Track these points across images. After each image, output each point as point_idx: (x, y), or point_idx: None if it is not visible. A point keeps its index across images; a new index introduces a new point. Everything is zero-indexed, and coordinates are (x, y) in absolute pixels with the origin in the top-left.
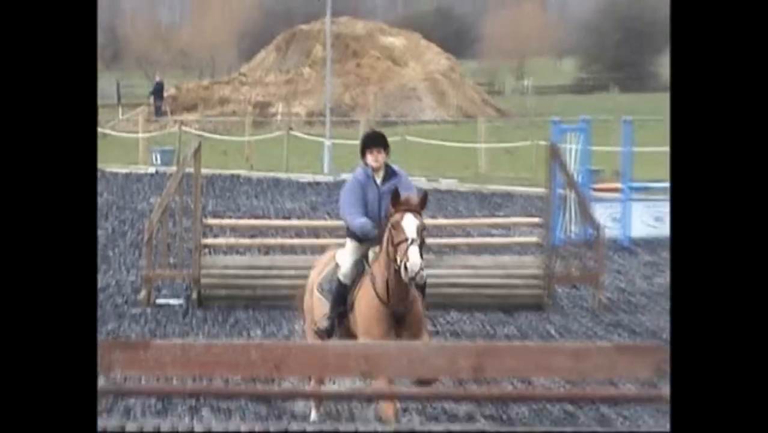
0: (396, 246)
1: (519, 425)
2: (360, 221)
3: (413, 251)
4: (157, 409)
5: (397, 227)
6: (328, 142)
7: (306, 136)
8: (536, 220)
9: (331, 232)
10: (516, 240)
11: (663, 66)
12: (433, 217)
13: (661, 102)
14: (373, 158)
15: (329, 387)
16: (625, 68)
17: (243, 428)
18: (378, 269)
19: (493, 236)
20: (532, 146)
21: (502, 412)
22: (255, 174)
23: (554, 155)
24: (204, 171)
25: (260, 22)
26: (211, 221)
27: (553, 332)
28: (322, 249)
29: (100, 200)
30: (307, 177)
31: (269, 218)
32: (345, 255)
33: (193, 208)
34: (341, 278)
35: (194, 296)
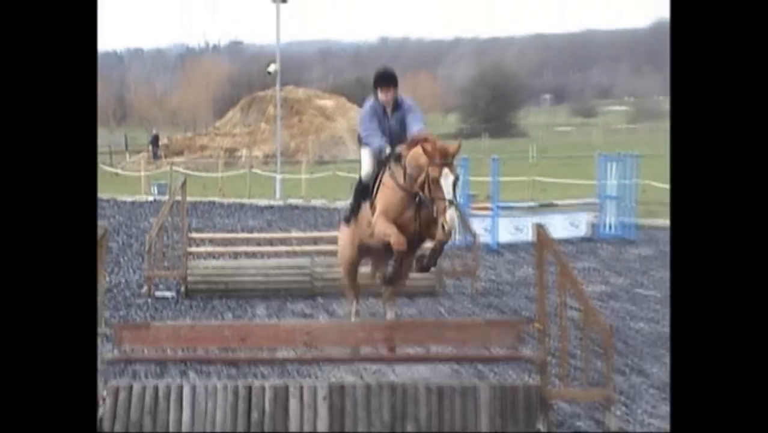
0: (432, 199)
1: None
2: (376, 141)
3: (450, 215)
4: (156, 372)
5: (435, 182)
6: (279, 176)
7: (263, 173)
8: None
9: (283, 242)
10: None
11: (521, 118)
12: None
13: (520, 144)
14: (383, 94)
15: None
16: (492, 120)
17: (219, 386)
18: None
19: None
20: None
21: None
22: (226, 200)
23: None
24: (188, 199)
25: (229, 90)
26: (194, 234)
27: (443, 312)
28: (276, 254)
29: (113, 221)
30: (263, 202)
31: (237, 231)
32: (364, 162)
33: (181, 226)
34: (363, 177)
35: (182, 289)
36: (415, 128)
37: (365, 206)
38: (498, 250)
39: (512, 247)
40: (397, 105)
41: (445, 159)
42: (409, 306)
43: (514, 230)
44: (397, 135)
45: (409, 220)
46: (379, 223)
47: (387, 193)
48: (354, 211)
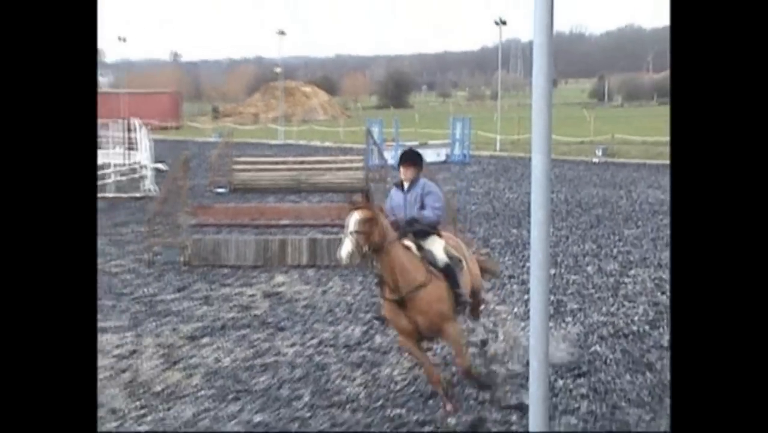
0: None
1: None
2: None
3: (344, 244)
4: (215, 231)
5: None
6: (281, 129)
7: (272, 126)
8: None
9: (283, 163)
10: (353, 165)
11: (411, 98)
12: None
13: (410, 113)
14: (403, 172)
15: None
16: (395, 99)
17: (249, 239)
18: None
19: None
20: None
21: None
22: (252, 140)
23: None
24: (231, 140)
25: (253, 82)
26: (237, 158)
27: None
28: (279, 170)
29: (190, 153)
30: (273, 142)
31: (258, 157)
32: None
33: (228, 154)
34: None
35: (230, 188)
36: (427, 211)
37: None
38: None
39: None
40: (413, 184)
41: (355, 204)
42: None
43: None
44: (410, 208)
45: None
46: None
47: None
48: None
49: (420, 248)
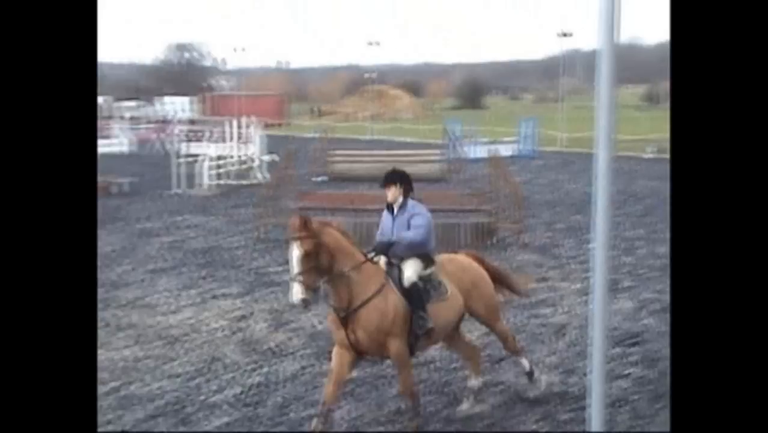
0: None
1: None
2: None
3: (294, 288)
4: (315, 214)
5: None
6: (374, 126)
7: (364, 124)
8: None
9: (374, 156)
10: (432, 158)
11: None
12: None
13: (484, 113)
14: (388, 192)
15: None
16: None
17: (343, 219)
18: None
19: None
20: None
21: None
22: (348, 136)
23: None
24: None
25: (349, 87)
26: (334, 151)
27: (446, 187)
28: (370, 162)
29: (293, 148)
30: (364, 137)
31: (349, 150)
32: None
33: (326, 148)
34: None
35: (328, 178)
36: (408, 232)
37: None
38: (475, 160)
39: (483, 159)
40: (402, 206)
41: (292, 234)
42: (426, 188)
43: (485, 151)
44: (398, 232)
45: None
46: None
47: None
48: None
49: (390, 264)
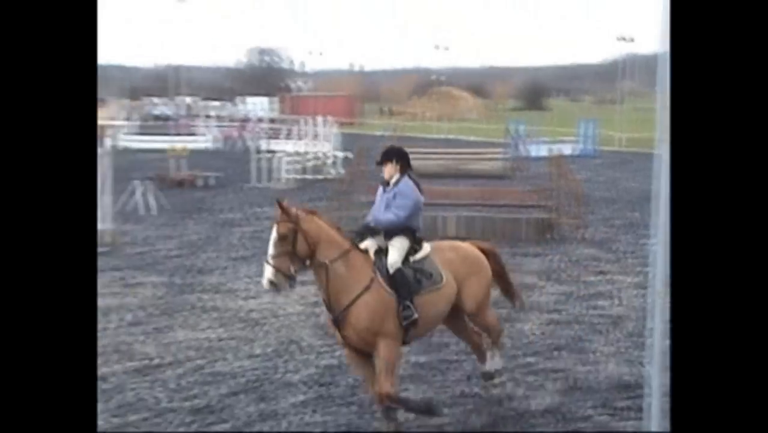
0: None
1: None
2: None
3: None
4: None
5: None
6: (441, 126)
7: (430, 123)
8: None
9: (441, 154)
10: (496, 156)
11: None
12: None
13: (546, 113)
14: (385, 170)
15: None
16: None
17: None
18: None
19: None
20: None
21: None
22: (417, 134)
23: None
24: (398, 133)
25: (415, 88)
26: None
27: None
28: (437, 160)
29: (364, 145)
30: (433, 136)
31: (419, 148)
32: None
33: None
34: None
35: None
36: (385, 213)
37: None
38: (537, 158)
39: (544, 157)
40: (394, 183)
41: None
42: (488, 184)
43: (547, 150)
44: (381, 208)
45: None
46: None
47: None
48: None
49: (378, 252)
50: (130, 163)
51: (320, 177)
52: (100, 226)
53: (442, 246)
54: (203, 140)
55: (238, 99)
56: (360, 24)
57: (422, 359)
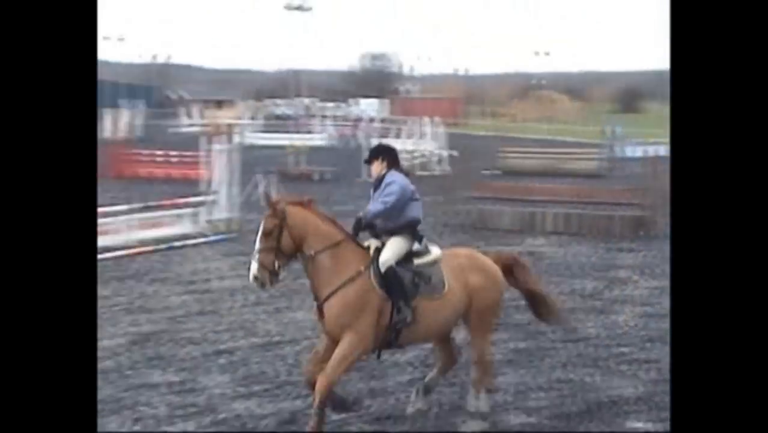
0: None
1: None
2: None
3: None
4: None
5: None
6: (538, 126)
7: (526, 124)
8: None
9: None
10: (591, 156)
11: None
12: None
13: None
14: (372, 168)
15: None
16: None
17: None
18: None
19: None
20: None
21: None
22: (519, 135)
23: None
24: (498, 134)
25: (517, 91)
26: (504, 148)
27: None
28: (536, 158)
29: (466, 148)
30: (533, 136)
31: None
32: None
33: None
34: None
35: (500, 171)
36: (373, 204)
37: None
38: (631, 159)
39: (639, 158)
40: (382, 180)
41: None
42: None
43: (642, 151)
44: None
45: None
46: None
47: None
48: None
49: (378, 249)
50: (254, 158)
51: (426, 173)
52: (227, 214)
53: (459, 253)
54: (319, 138)
55: (351, 100)
56: (465, 31)
57: (521, 345)
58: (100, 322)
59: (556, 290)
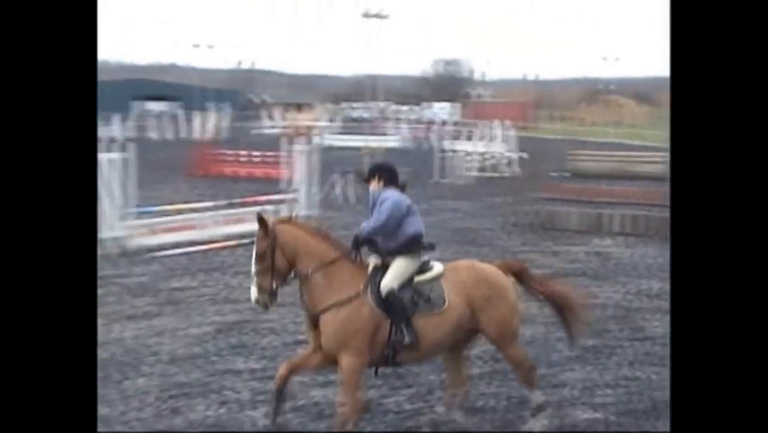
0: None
1: None
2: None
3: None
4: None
5: None
6: (605, 130)
7: (593, 128)
8: (663, 153)
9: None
10: (657, 159)
11: None
12: None
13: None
14: (370, 187)
15: None
16: None
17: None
18: None
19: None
20: (665, 134)
21: None
22: (582, 138)
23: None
24: (564, 137)
25: (588, 96)
26: (573, 151)
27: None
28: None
29: (534, 150)
30: (600, 139)
31: (584, 148)
32: None
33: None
34: None
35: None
36: (367, 222)
37: None
38: None
39: None
40: (378, 198)
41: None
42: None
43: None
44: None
45: None
46: None
47: None
48: None
49: (376, 268)
50: (332, 159)
51: (496, 175)
52: (307, 211)
53: (460, 266)
54: (393, 140)
55: (424, 104)
56: (535, 37)
57: (589, 342)
58: (187, 311)
59: (622, 290)
